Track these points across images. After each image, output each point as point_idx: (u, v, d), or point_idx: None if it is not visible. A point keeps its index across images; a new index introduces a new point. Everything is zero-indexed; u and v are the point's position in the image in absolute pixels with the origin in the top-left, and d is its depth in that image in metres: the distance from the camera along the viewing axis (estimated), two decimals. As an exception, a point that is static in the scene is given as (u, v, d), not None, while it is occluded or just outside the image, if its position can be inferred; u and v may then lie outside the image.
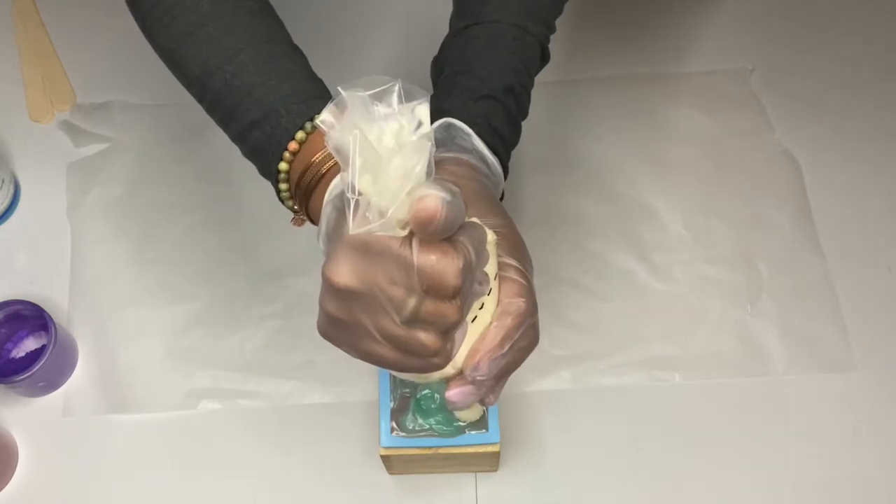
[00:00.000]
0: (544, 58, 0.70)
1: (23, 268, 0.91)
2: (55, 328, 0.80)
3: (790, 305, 0.87)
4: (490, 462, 0.77)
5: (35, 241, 0.92)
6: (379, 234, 0.45)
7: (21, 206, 0.94)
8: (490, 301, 0.52)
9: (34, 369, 0.79)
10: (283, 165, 0.61)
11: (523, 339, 0.53)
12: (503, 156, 0.64)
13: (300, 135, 0.60)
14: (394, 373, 0.54)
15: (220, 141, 0.95)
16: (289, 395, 0.85)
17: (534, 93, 0.98)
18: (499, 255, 0.53)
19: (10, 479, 0.81)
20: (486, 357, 0.51)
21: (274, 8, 0.67)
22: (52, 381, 0.84)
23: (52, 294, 0.89)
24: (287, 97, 0.61)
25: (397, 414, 0.73)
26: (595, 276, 0.89)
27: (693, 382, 0.84)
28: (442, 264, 0.45)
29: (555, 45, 1.02)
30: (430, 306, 0.47)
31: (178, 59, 0.65)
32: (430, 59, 0.70)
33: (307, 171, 0.59)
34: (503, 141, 0.65)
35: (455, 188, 0.45)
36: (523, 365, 0.83)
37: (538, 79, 0.98)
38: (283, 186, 0.62)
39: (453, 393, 0.52)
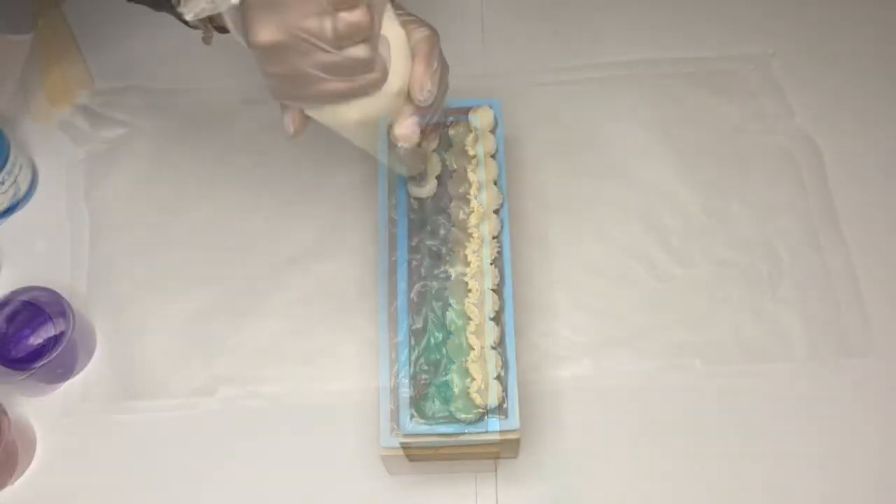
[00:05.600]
0: None
1: (41, 254, 0.90)
2: (73, 315, 0.80)
3: (812, 291, 0.87)
4: (510, 449, 0.77)
5: (53, 227, 0.92)
6: None
7: (39, 192, 0.94)
8: (395, 36, 0.60)
9: (52, 356, 0.79)
10: None
11: (440, 61, 0.62)
12: None
13: None
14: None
15: (242, 125, 0.96)
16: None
17: (555, 78, 0.98)
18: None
19: (29, 466, 0.81)
20: (424, 74, 0.60)
21: None
22: (70, 368, 0.84)
23: (70, 280, 0.88)
24: None
25: (416, 401, 0.72)
26: (615, 262, 0.89)
27: (714, 368, 0.84)
28: None
29: (575, 29, 1.02)
30: (344, 19, 0.54)
31: None
32: None
33: None
34: None
35: None
36: (543, 351, 0.84)
37: (559, 64, 0.98)
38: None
39: (402, 126, 0.62)
